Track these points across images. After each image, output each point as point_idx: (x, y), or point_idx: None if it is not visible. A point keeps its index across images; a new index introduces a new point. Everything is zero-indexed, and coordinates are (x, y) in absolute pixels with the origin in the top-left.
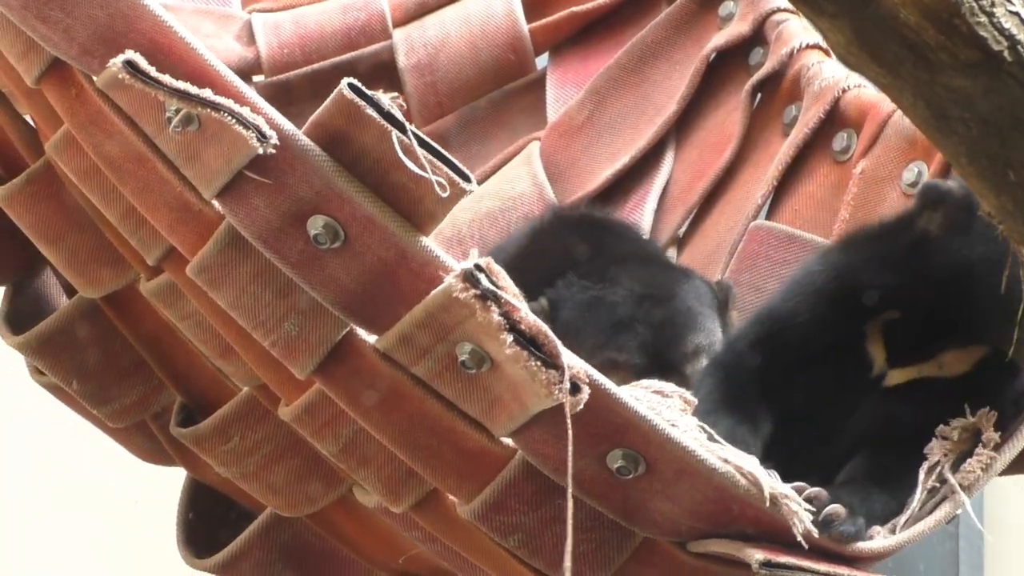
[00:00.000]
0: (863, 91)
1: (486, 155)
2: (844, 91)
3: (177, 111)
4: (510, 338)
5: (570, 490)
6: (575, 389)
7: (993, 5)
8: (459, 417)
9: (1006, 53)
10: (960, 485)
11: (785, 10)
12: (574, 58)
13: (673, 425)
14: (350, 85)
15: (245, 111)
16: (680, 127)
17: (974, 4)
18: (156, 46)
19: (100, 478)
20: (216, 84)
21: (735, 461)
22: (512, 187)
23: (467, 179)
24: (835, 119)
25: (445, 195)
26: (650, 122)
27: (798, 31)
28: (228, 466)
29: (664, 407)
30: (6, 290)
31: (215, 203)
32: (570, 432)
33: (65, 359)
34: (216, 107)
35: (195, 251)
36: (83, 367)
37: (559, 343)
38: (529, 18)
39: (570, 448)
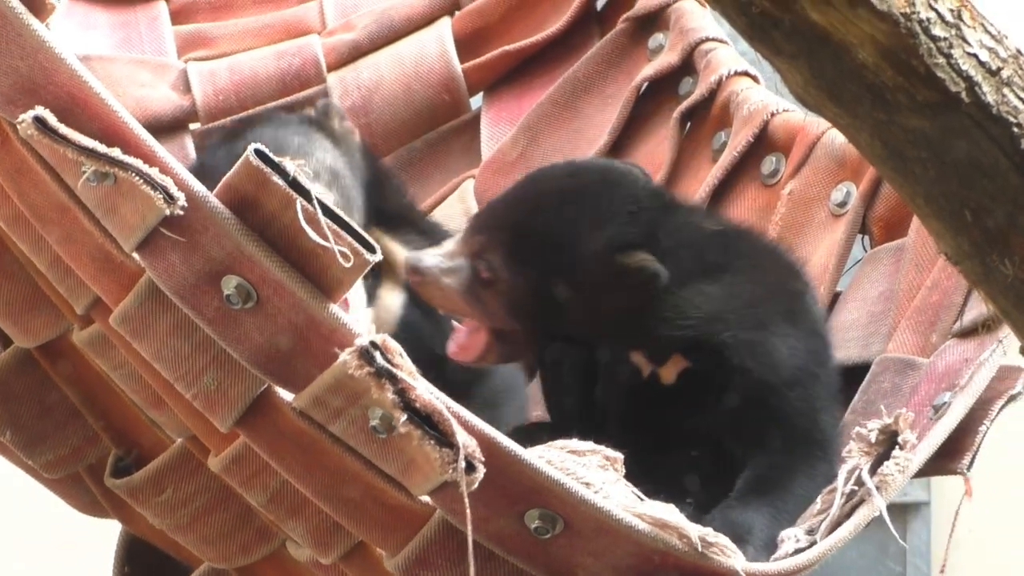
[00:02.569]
0: (791, 115)
1: (424, 196)
2: (772, 115)
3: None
4: (404, 416)
5: (472, 566)
6: (470, 468)
7: (951, 47)
8: (378, 474)
9: (963, 94)
10: (877, 488)
11: (713, 39)
12: (508, 96)
13: (586, 485)
14: (256, 151)
15: (154, 171)
16: (613, 157)
17: (932, 45)
18: (73, 100)
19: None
20: (128, 141)
21: (654, 515)
22: (448, 223)
23: (371, 250)
24: (764, 143)
25: (348, 265)
26: (583, 155)
27: (726, 59)
28: (162, 518)
29: (579, 466)
30: None
31: (135, 256)
32: (467, 509)
33: (0, 409)
34: (124, 167)
35: (118, 301)
36: (17, 418)
37: (454, 421)
38: (462, 58)
39: (468, 525)
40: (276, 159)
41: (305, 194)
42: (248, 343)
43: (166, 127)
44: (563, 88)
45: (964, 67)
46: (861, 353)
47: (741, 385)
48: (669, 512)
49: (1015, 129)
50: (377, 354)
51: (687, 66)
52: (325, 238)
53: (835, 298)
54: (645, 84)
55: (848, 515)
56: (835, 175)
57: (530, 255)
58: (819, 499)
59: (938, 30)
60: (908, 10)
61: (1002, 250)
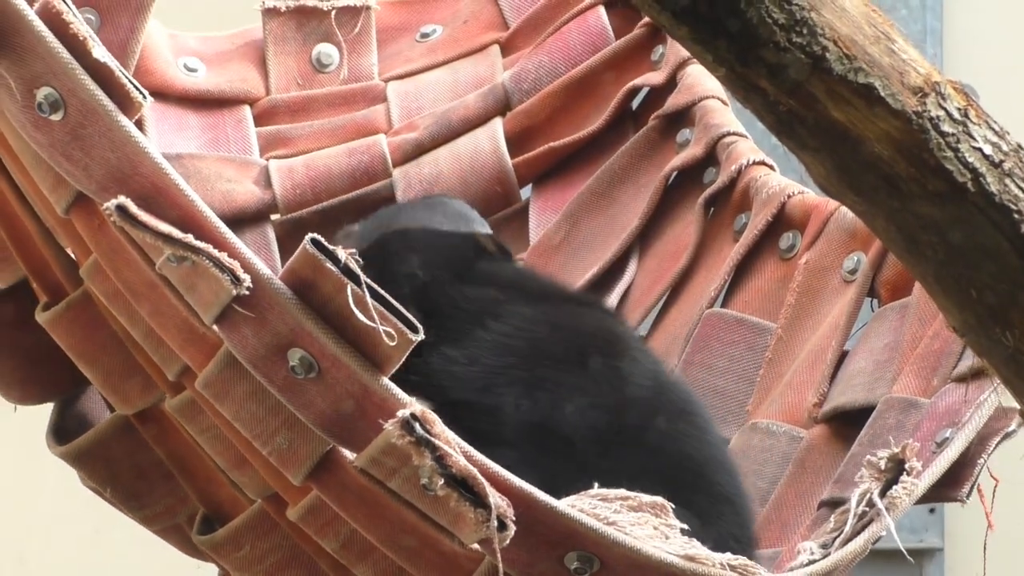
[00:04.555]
0: (807, 196)
1: None
2: (789, 196)
3: None
4: (441, 480)
5: None
6: (502, 526)
7: (958, 141)
8: (432, 525)
9: (970, 184)
10: (887, 509)
11: (734, 133)
12: (554, 188)
13: (612, 525)
14: (312, 240)
15: (223, 256)
16: (643, 240)
17: (941, 140)
18: (156, 189)
19: (60, 505)
20: (202, 228)
21: (682, 551)
22: None
23: (415, 330)
24: (781, 221)
25: (393, 343)
26: (617, 238)
27: (746, 151)
28: (242, 572)
29: (608, 511)
30: (55, 405)
31: (214, 327)
32: (500, 563)
33: (100, 469)
34: (196, 251)
35: (202, 368)
36: (116, 477)
37: (487, 484)
38: (513, 154)
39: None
40: (330, 247)
41: (355, 279)
42: (313, 408)
43: (250, 218)
44: (601, 179)
45: (970, 160)
46: (867, 396)
47: None
48: (693, 546)
49: (1016, 216)
50: (417, 425)
51: (711, 157)
52: (372, 319)
53: (843, 356)
54: (674, 174)
55: (859, 532)
56: (847, 246)
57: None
58: (832, 518)
59: (947, 127)
60: (920, 109)
61: (1004, 324)
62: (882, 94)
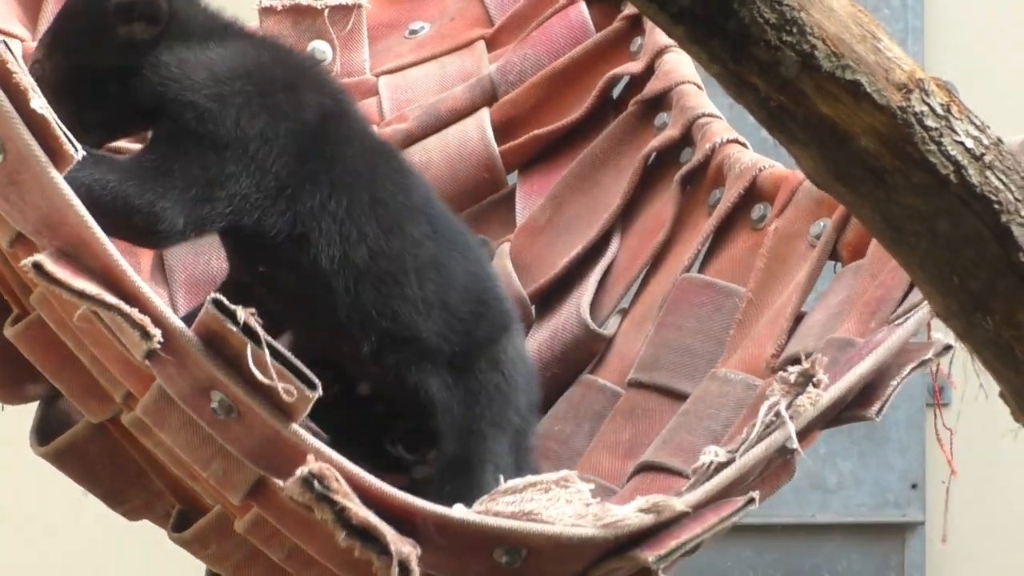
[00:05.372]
0: (776, 169)
1: None
2: (760, 170)
3: None
4: (343, 533)
5: None
6: (404, 571)
7: (941, 136)
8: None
9: (952, 176)
10: (790, 418)
11: (709, 115)
12: (539, 173)
13: (527, 516)
14: (213, 300)
15: (134, 311)
16: (624, 219)
17: (924, 134)
18: (81, 239)
19: (17, 504)
20: (120, 281)
21: (598, 521)
22: None
23: (312, 387)
24: (753, 194)
25: (292, 399)
26: (600, 218)
27: (720, 130)
28: (214, 566)
29: (520, 502)
30: (38, 405)
31: (146, 363)
32: None
33: (79, 468)
34: (108, 307)
35: (141, 396)
36: (95, 476)
37: (389, 533)
38: (499, 142)
39: None
40: (231, 307)
41: (255, 338)
42: (238, 444)
43: None
44: (583, 163)
45: (952, 153)
46: (815, 344)
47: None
48: (605, 510)
49: (995, 206)
50: (315, 483)
51: (687, 138)
52: (271, 378)
53: (803, 314)
54: (652, 155)
55: (761, 439)
56: (813, 213)
57: (59, 40)
58: (744, 431)
59: (930, 121)
60: (904, 104)
61: (984, 310)
62: (868, 90)
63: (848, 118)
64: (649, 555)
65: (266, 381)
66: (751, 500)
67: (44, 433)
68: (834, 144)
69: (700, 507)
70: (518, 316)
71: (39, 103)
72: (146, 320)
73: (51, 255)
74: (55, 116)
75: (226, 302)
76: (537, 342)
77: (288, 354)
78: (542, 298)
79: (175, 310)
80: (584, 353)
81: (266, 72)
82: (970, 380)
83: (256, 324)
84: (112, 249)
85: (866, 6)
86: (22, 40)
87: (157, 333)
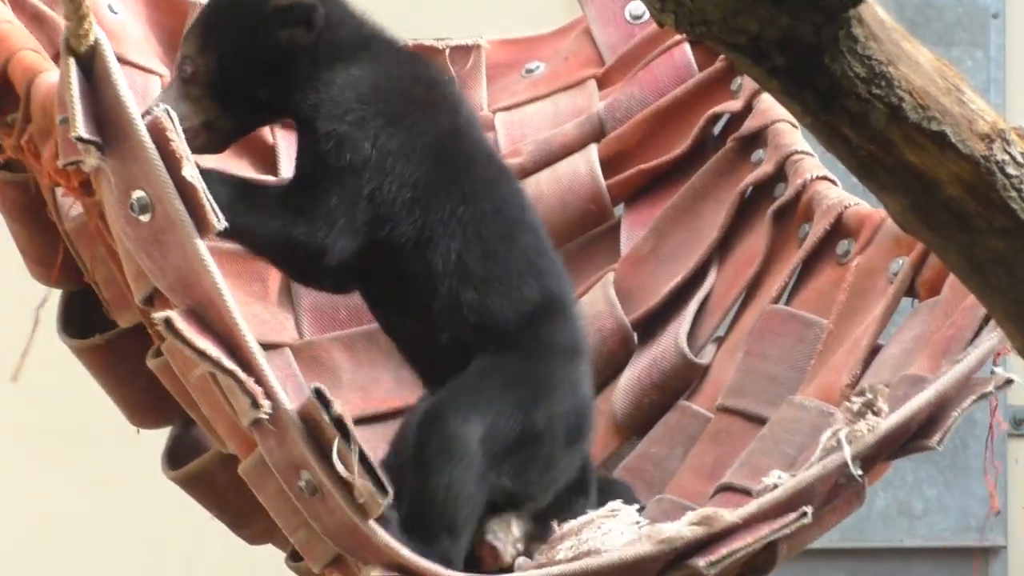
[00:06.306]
0: (861, 207)
1: (576, 285)
2: (846, 208)
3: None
4: None
5: None
6: None
7: (1022, 183)
8: None
9: None
10: (848, 442)
11: (801, 152)
12: (643, 205)
13: (593, 553)
14: (315, 389)
15: (249, 380)
16: (721, 250)
17: (1006, 181)
18: (210, 302)
19: None
20: (240, 348)
21: (656, 539)
22: (590, 307)
23: (384, 493)
24: (839, 230)
25: (362, 500)
26: (699, 249)
27: (810, 167)
28: None
29: (585, 544)
30: (170, 431)
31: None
32: None
33: (207, 494)
34: (224, 371)
35: (246, 456)
36: (222, 502)
37: None
38: (606, 176)
39: None
40: (329, 398)
41: (344, 433)
42: (320, 523)
43: None
44: (684, 196)
45: None
46: (890, 377)
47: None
48: (655, 529)
49: None
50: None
51: (780, 174)
52: (351, 472)
53: (879, 347)
54: (749, 190)
55: (820, 460)
56: (893, 251)
57: (213, 35)
58: (801, 455)
59: (1011, 169)
60: (987, 153)
61: None
62: (953, 140)
63: (934, 166)
64: (701, 561)
65: (345, 475)
66: (803, 514)
67: (175, 459)
68: (921, 191)
69: (754, 520)
70: (584, 341)
71: (190, 172)
72: (258, 391)
73: (181, 313)
74: (204, 185)
75: (326, 393)
76: (637, 370)
77: (370, 458)
78: (643, 326)
79: (300, 335)
80: (681, 381)
81: (407, 92)
82: None
83: (349, 420)
84: (238, 316)
85: (949, 59)
86: (161, 76)
87: (266, 404)
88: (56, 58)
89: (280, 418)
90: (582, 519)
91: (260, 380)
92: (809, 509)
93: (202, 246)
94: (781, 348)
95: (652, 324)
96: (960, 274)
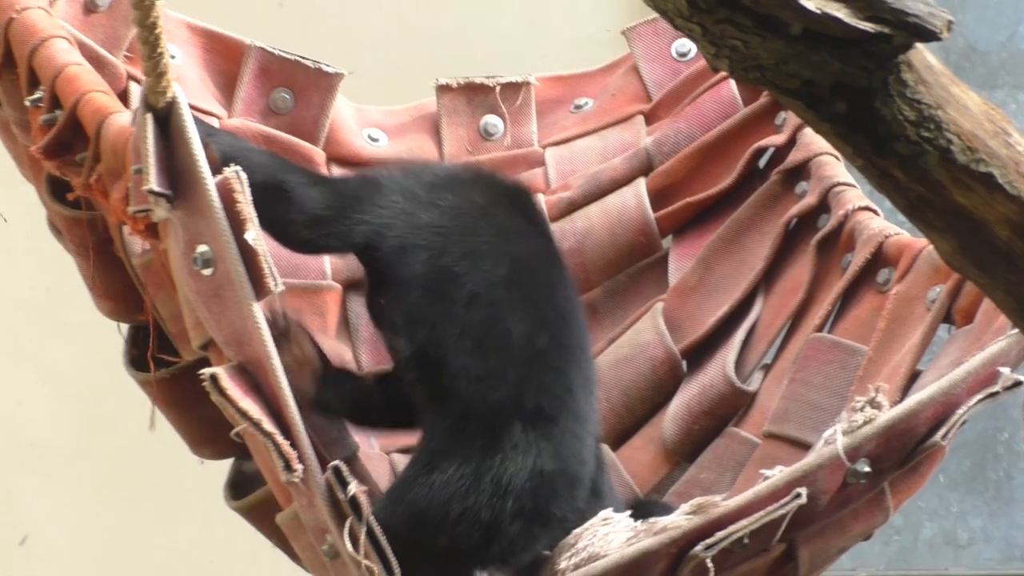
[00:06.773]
0: (901, 236)
1: (625, 316)
2: (887, 237)
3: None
4: None
5: None
6: None
7: None
8: None
9: None
10: (843, 431)
11: (843, 184)
12: (691, 237)
13: (595, 557)
14: (333, 467)
15: (285, 443)
16: (767, 280)
17: None
18: (259, 362)
19: None
20: (281, 411)
21: (656, 533)
22: (640, 336)
23: (391, 573)
24: (879, 259)
25: None
26: (745, 279)
27: (852, 198)
28: None
29: (582, 552)
30: (232, 463)
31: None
32: None
33: (268, 524)
34: (263, 433)
35: (285, 507)
36: (283, 533)
37: None
38: (655, 208)
39: None
40: (347, 478)
41: (357, 513)
42: None
43: None
44: (730, 228)
45: None
46: None
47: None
48: (654, 525)
49: None
50: None
51: (823, 205)
52: (357, 551)
53: (918, 373)
54: (793, 221)
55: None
56: (931, 279)
57: None
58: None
59: None
60: None
61: None
62: (1000, 182)
63: (982, 207)
64: (699, 546)
65: (351, 552)
66: (796, 496)
67: (237, 490)
68: (969, 231)
69: (749, 507)
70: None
71: (253, 235)
72: (293, 455)
73: (229, 369)
74: (265, 249)
75: (345, 472)
76: (686, 397)
77: (382, 540)
78: (692, 355)
79: (358, 367)
80: (729, 408)
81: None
82: None
83: (364, 500)
84: (283, 379)
85: (993, 101)
86: (219, 118)
87: (299, 469)
88: (121, 97)
89: (311, 483)
90: (576, 531)
91: (296, 443)
92: (803, 490)
93: (257, 308)
94: (824, 375)
95: (700, 352)
96: (1008, 312)
